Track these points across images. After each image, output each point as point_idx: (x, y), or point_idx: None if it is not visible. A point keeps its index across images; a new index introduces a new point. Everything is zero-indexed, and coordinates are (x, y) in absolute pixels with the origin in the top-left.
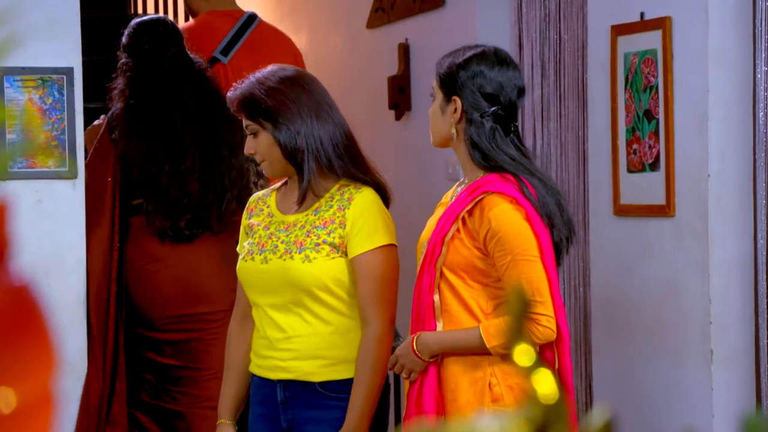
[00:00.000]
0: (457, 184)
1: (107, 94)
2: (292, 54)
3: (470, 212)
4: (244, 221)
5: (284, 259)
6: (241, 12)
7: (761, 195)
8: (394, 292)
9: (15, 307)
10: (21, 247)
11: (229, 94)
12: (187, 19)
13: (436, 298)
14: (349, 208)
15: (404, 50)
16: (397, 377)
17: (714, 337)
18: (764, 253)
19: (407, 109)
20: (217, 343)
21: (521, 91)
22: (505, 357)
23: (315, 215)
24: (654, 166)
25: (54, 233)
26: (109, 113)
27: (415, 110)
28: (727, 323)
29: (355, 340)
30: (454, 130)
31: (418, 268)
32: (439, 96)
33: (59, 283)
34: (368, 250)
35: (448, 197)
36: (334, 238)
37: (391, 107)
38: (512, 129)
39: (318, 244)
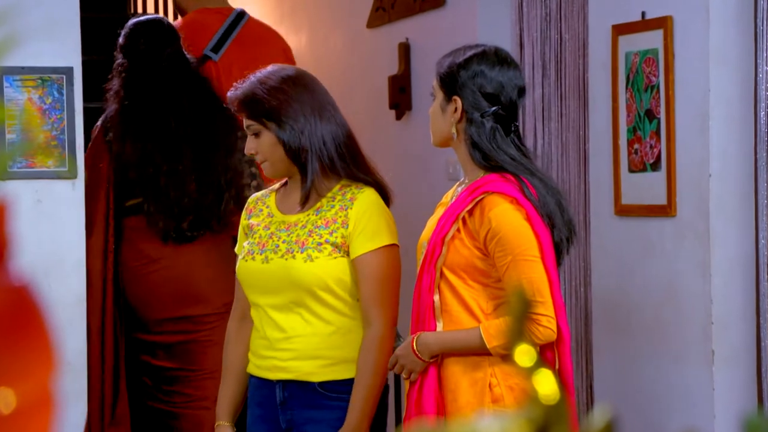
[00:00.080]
0: (458, 184)
1: (104, 95)
2: (283, 50)
3: (470, 212)
4: (242, 221)
5: (286, 259)
6: (230, 9)
7: (762, 194)
8: (396, 292)
9: (15, 307)
10: (20, 247)
11: (229, 93)
12: (176, 18)
13: (436, 298)
14: (351, 208)
15: (405, 50)
16: (397, 377)
17: (715, 337)
18: (766, 252)
19: (408, 108)
20: (212, 344)
21: (522, 91)
22: (506, 357)
23: (317, 215)
24: (655, 166)
25: (54, 233)
26: (104, 115)
27: (416, 110)
28: (729, 323)
29: (355, 341)
30: (454, 130)
31: (418, 269)
32: (440, 95)
33: (59, 283)
34: (371, 250)
35: (449, 197)
36: (336, 237)
37: (391, 107)
38: (513, 129)
39: (320, 244)
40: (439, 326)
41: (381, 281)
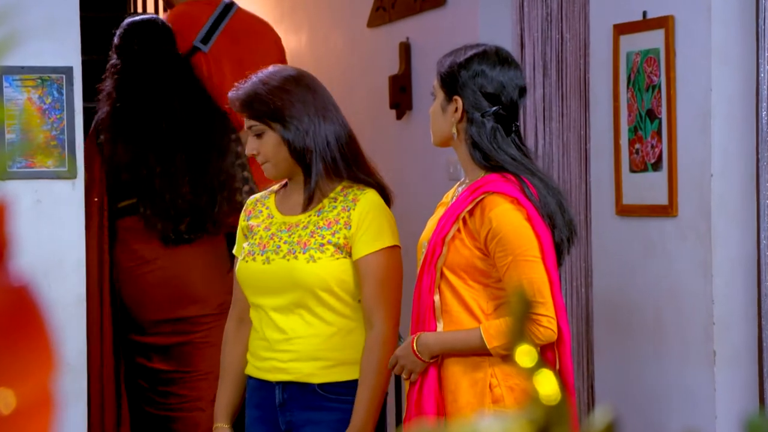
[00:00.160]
0: (458, 183)
1: (96, 96)
2: (274, 42)
3: (471, 212)
4: (241, 223)
5: (288, 260)
6: (218, 0)
7: (764, 194)
8: (398, 293)
9: (14, 307)
10: (20, 247)
11: (230, 94)
12: (165, 11)
13: (437, 298)
14: (354, 209)
15: (405, 49)
16: (397, 378)
17: (717, 337)
18: (767, 252)
19: (408, 108)
20: (208, 345)
21: (522, 91)
22: (506, 358)
23: (318, 216)
24: (656, 166)
25: (53, 233)
26: (96, 117)
27: (416, 110)
28: (730, 324)
29: (356, 342)
30: (455, 130)
31: (419, 269)
32: (440, 95)
33: (58, 283)
34: (373, 252)
35: (449, 197)
36: (338, 238)
37: (392, 107)
38: (513, 129)
39: (322, 245)
40: (440, 326)
41: (383, 282)
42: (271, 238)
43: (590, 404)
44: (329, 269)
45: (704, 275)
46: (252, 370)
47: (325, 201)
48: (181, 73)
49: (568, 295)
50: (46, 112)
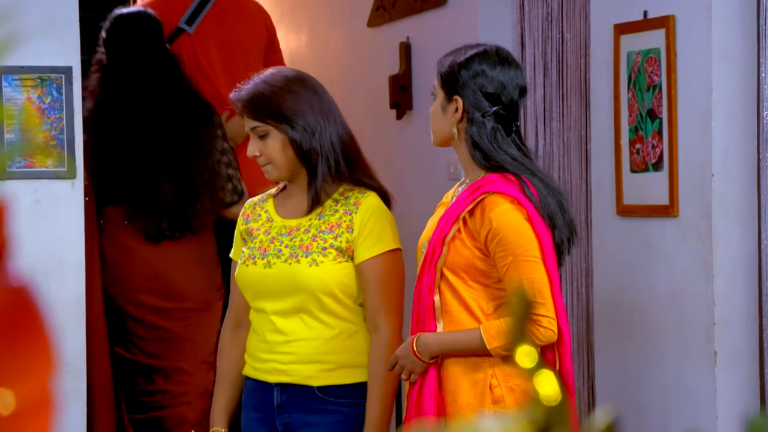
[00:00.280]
0: (458, 183)
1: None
2: (263, 21)
3: (471, 212)
4: (239, 227)
5: (290, 263)
6: None
7: (765, 194)
8: (401, 296)
9: (14, 307)
10: (19, 248)
11: (233, 95)
12: None
13: (437, 298)
14: (356, 213)
15: (405, 49)
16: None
17: (718, 338)
18: None
19: (408, 108)
20: (186, 340)
21: (523, 91)
22: (506, 358)
23: (319, 219)
24: (657, 166)
25: (52, 233)
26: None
27: (417, 109)
28: (731, 324)
29: (356, 346)
30: (455, 130)
31: (418, 269)
32: (441, 95)
33: (58, 283)
34: (376, 255)
35: (449, 197)
36: (341, 242)
37: (392, 106)
38: (514, 129)
39: (325, 248)
40: (440, 327)
41: (387, 286)
42: (272, 242)
43: (590, 405)
44: (331, 273)
45: (705, 275)
46: (250, 371)
47: (326, 204)
48: (167, 70)
49: (568, 296)
50: (46, 111)
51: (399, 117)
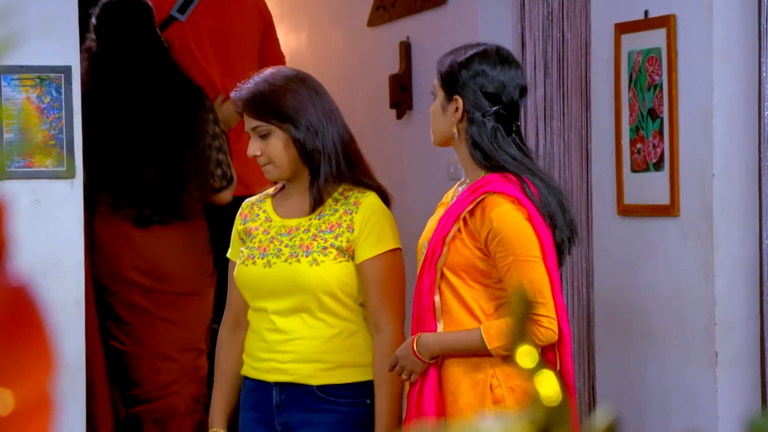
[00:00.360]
0: (458, 183)
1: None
2: (259, 12)
3: (471, 212)
4: (237, 226)
5: (290, 263)
6: None
7: (766, 194)
8: (402, 295)
9: (13, 308)
10: (18, 248)
11: (233, 95)
12: None
13: (437, 298)
14: (356, 213)
15: (406, 48)
16: None
17: (719, 338)
18: None
19: (409, 108)
20: (167, 323)
21: (523, 91)
22: (507, 358)
23: (319, 219)
24: (658, 166)
25: (52, 233)
26: None
27: (417, 109)
28: (732, 324)
29: (356, 345)
30: (455, 130)
31: (419, 269)
32: (441, 95)
33: (57, 283)
34: (377, 255)
35: (449, 197)
36: (341, 242)
37: (392, 106)
38: (514, 128)
39: (325, 248)
40: (440, 327)
41: (388, 285)
42: (271, 242)
43: (591, 405)
44: (332, 272)
45: (706, 275)
46: (249, 371)
47: (326, 203)
48: (158, 55)
49: (568, 296)
50: (45, 111)
51: (399, 117)
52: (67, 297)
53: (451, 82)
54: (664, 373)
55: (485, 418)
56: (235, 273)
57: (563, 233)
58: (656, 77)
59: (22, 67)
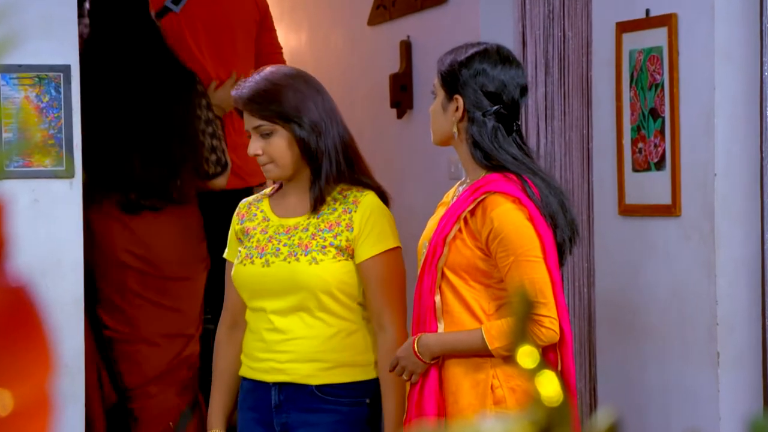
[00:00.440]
0: (459, 183)
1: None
2: (254, 2)
3: (472, 212)
4: (234, 227)
5: (289, 262)
6: None
7: None
8: (403, 294)
9: (12, 308)
10: (17, 247)
11: (235, 93)
12: None
13: (438, 299)
14: (356, 212)
15: (406, 47)
16: None
17: (720, 338)
18: None
19: (409, 107)
20: (157, 306)
21: (524, 90)
22: (508, 359)
23: (318, 218)
24: (659, 165)
25: (51, 233)
26: None
27: (417, 108)
28: (734, 324)
29: (355, 344)
30: (455, 129)
31: (419, 269)
32: (441, 94)
33: (56, 283)
34: (378, 254)
35: (449, 197)
36: (340, 241)
37: (392, 105)
38: (515, 128)
39: (324, 247)
40: (441, 327)
41: (389, 284)
42: (270, 241)
43: (592, 406)
44: (331, 271)
45: (708, 275)
46: (247, 371)
47: (325, 203)
48: (150, 40)
49: (570, 296)
50: (44, 110)
51: (399, 116)
52: (66, 297)
53: (452, 81)
54: (666, 373)
55: (486, 418)
56: (232, 273)
57: (564, 233)
58: (658, 76)
59: (20, 66)
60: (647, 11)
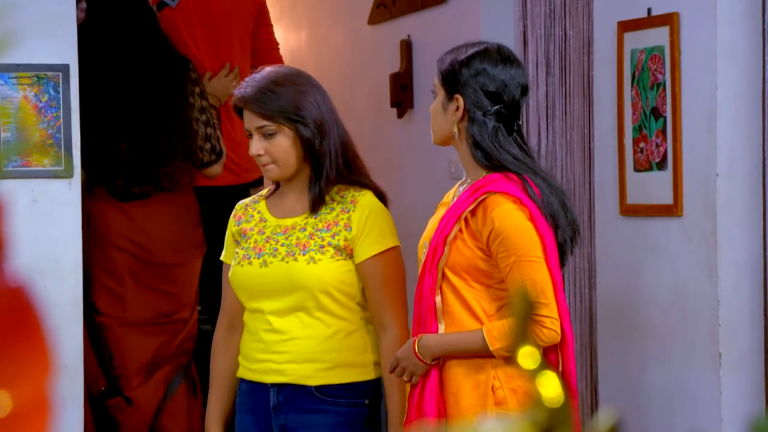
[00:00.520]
0: (459, 183)
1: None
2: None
3: (473, 212)
4: (231, 228)
5: (287, 262)
6: None
7: None
8: (403, 293)
9: (11, 309)
10: (16, 248)
11: (238, 92)
12: None
13: (438, 299)
14: (354, 211)
15: (406, 47)
16: None
17: (722, 339)
18: None
19: (410, 106)
20: (149, 290)
21: (525, 90)
22: (509, 359)
23: (315, 218)
24: (661, 165)
25: (49, 233)
26: None
27: (418, 108)
28: (736, 325)
29: (355, 345)
30: (455, 129)
31: (420, 270)
32: (441, 93)
33: (55, 284)
34: (377, 254)
35: (450, 197)
36: (338, 240)
37: (393, 105)
38: (515, 128)
39: (322, 246)
40: (441, 328)
41: (390, 283)
42: (267, 242)
43: (593, 407)
44: (330, 270)
45: (710, 276)
46: (245, 373)
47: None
48: (146, 29)
49: (571, 296)
50: (42, 110)
51: (400, 116)
52: (65, 297)
53: (452, 80)
54: (667, 374)
55: (487, 419)
56: (230, 274)
57: (565, 233)
58: (659, 76)
59: (19, 65)
60: (649, 10)
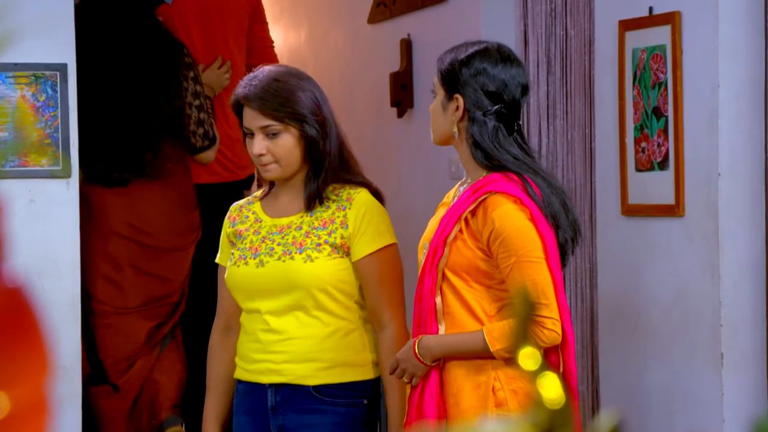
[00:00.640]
0: (460, 183)
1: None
2: None
3: (473, 212)
4: (226, 230)
5: (283, 260)
6: None
7: None
8: (401, 291)
9: (8, 309)
10: (14, 248)
11: (241, 92)
12: None
13: (438, 300)
14: (350, 209)
15: (407, 46)
16: None
17: (724, 340)
18: None
19: (410, 106)
20: (143, 273)
21: (525, 89)
22: (510, 361)
23: (311, 216)
24: (663, 165)
25: (47, 233)
26: None
27: (418, 107)
28: (738, 326)
29: (353, 344)
30: (455, 129)
31: (420, 270)
32: (441, 93)
33: (53, 284)
34: (375, 251)
35: (450, 197)
36: (335, 238)
37: (393, 104)
38: (515, 128)
39: (319, 245)
40: (441, 329)
41: (388, 281)
42: (263, 241)
43: (594, 408)
44: (327, 269)
45: (711, 276)
46: (242, 374)
47: (316, 201)
48: (140, 13)
49: (572, 297)
50: (40, 109)
51: (400, 115)
52: (63, 297)
53: (452, 80)
54: (669, 375)
55: (487, 421)
56: (226, 275)
57: (566, 233)
58: (661, 75)
59: (16, 64)
60: (650, 9)
